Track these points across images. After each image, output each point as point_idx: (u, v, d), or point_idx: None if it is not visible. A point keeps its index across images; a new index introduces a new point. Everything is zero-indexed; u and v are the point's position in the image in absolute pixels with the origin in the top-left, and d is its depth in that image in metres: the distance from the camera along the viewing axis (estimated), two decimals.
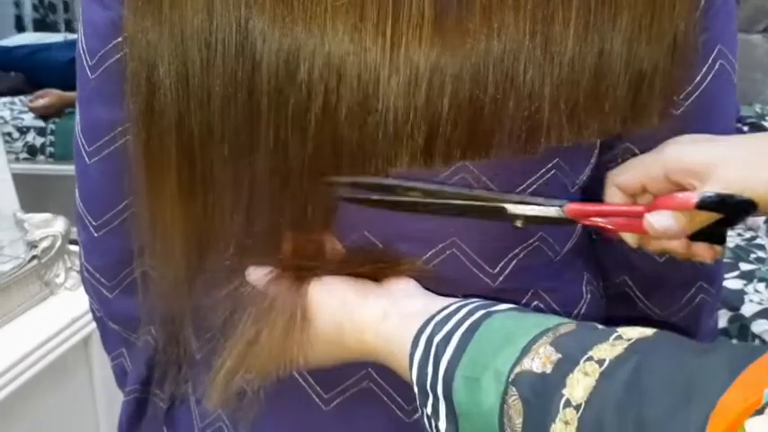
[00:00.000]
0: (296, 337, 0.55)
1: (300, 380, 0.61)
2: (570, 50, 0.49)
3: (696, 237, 0.53)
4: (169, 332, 0.67)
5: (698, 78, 0.56)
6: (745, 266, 1.99)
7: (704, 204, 0.49)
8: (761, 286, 1.91)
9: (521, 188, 0.56)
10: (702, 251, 0.54)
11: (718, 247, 0.54)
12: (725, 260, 2.00)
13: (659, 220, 0.51)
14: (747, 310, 1.83)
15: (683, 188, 0.52)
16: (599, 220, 0.53)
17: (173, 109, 0.52)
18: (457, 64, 0.48)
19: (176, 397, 0.70)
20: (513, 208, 0.53)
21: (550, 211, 0.53)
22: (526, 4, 0.48)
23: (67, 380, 1.27)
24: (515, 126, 0.50)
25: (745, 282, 1.92)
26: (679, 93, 0.55)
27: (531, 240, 0.59)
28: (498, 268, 0.58)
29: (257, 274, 0.57)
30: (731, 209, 0.50)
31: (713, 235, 0.53)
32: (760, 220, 2.24)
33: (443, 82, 0.49)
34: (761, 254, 2.08)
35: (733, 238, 2.15)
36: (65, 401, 1.27)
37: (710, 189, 0.49)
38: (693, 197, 0.49)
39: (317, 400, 0.61)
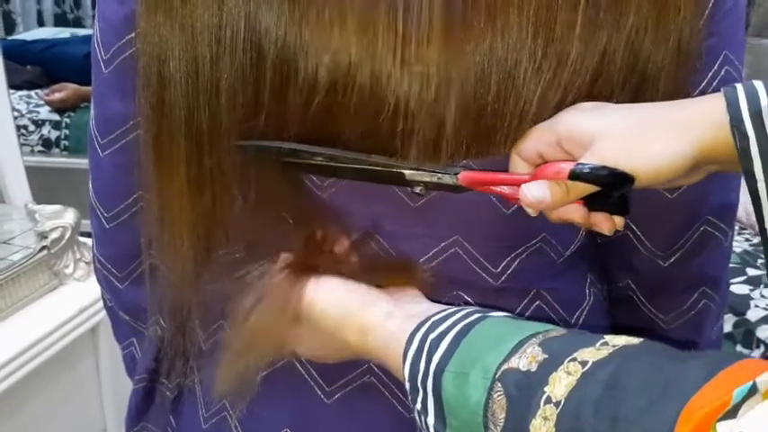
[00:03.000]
0: (286, 324, 0.55)
1: (303, 372, 0.62)
2: (572, 52, 0.49)
3: (597, 206, 0.50)
4: (176, 323, 0.67)
5: (703, 84, 0.55)
6: (752, 272, 1.96)
7: (576, 176, 0.47)
8: (767, 292, 1.89)
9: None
10: (600, 222, 0.50)
11: (618, 219, 0.50)
12: (732, 265, 1.97)
13: (531, 192, 0.49)
14: (753, 315, 1.81)
15: (572, 157, 0.49)
16: (496, 189, 0.52)
17: (182, 103, 0.53)
18: (463, 63, 0.49)
19: (183, 387, 0.71)
20: (410, 174, 0.52)
21: (446, 178, 0.52)
22: (530, 5, 0.48)
23: (75, 368, 1.27)
24: (517, 125, 0.50)
25: (751, 287, 1.90)
26: (683, 97, 0.53)
27: (534, 241, 0.59)
28: (500, 267, 0.59)
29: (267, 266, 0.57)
30: (606, 181, 0.47)
31: (615, 205, 0.50)
32: None
33: (450, 81, 0.49)
34: None
35: (741, 243, 2.12)
36: (72, 388, 1.28)
37: (588, 160, 0.47)
38: (567, 168, 0.47)
39: (319, 392, 0.62)
